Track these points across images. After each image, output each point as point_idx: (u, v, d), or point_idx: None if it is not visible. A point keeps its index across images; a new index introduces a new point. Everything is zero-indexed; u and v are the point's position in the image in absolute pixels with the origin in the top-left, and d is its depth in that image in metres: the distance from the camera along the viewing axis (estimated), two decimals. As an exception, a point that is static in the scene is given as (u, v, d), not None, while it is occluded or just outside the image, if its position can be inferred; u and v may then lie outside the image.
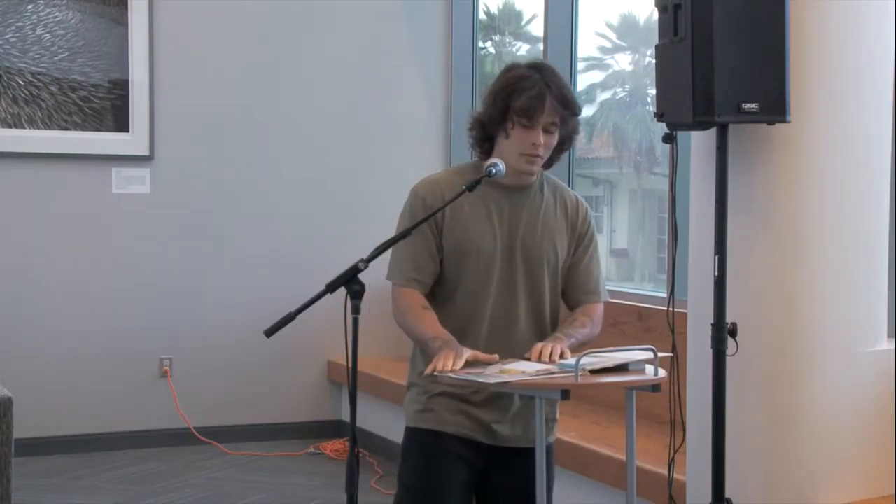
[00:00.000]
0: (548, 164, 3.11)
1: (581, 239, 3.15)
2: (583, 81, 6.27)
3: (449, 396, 3.05)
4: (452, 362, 2.82)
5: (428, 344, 2.96)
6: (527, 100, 2.95)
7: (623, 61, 6.60)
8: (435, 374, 2.83)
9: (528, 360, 2.92)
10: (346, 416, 6.65)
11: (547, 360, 2.87)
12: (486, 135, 3.06)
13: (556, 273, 3.11)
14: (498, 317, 3.04)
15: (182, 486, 5.70)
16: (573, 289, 3.17)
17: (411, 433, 3.13)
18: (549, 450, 3.13)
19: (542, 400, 2.84)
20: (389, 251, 2.99)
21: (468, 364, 2.85)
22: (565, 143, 3.06)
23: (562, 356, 2.89)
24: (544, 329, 3.10)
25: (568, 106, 3.00)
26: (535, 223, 3.07)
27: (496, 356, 2.90)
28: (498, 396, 3.01)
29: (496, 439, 3.08)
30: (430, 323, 3.00)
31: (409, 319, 3.02)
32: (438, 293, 3.08)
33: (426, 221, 2.98)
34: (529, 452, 2.99)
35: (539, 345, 2.94)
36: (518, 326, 3.06)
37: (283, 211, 6.65)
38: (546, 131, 2.99)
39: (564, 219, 3.13)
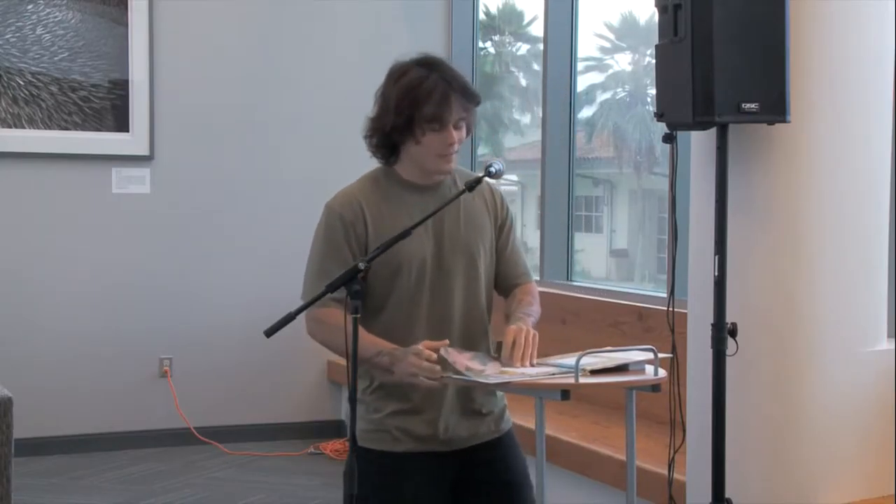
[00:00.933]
0: None
1: (503, 225, 3.09)
2: (583, 82, 6.27)
3: (397, 414, 2.96)
4: (432, 368, 2.75)
5: (372, 359, 2.86)
6: (434, 105, 2.86)
7: (623, 61, 6.60)
8: (442, 377, 2.79)
9: (498, 357, 2.88)
10: (346, 416, 6.65)
11: (522, 355, 2.83)
12: (389, 142, 2.96)
13: (489, 264, 3.05)
14: (432, 321, 2.95)
15: (182, 486, 5.70)
16: (505, 275, 3.10)
17: (364, 453, 2.93)
18: (510, 435, 3.09)
19: (542, 400, 2.84)
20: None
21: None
22: (470, 130, 3.01)
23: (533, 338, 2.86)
24: (481, 321, 3.02)
25: (472, 98, 2.93)
26: (460, 220, 3.00)
27: (446, 341, 2.82)
28: (430, 395, 2.92)
29: (453, 444, 3.00)
30: (364, 336, 2.83)
31: (338, 338, 2.81)
32: (367, 307, 2.91)
33: (346, 237, 2.91)
34: (493, 444, 2.99)
35: (512, 332, 2.87)
36: (453, 325, 2.97)
37: (283, 211, 6.64)
38: (457, 128, 2.91)
39: (485, 207, 3.06)
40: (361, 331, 2.80)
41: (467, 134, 2.99)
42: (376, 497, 2.94)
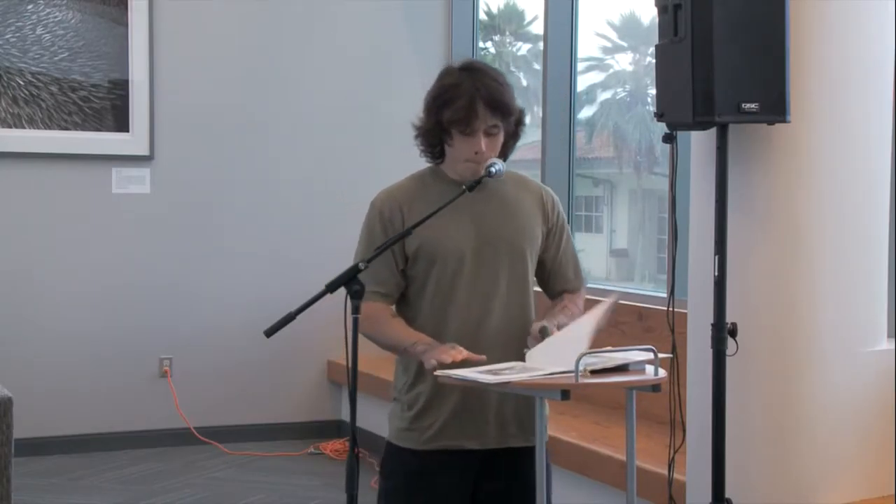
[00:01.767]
0: (503, 157, 3.05)
1: (553, 228, 3.10)
2: (583, 81, 6.28)
3: (434, 409, 2.99)
4: (452, 356, 2.78)
5: (408, 349, 2.92)
6: (457, 111, 2.90)
7: (623, 61, 6.60)
8: (436, 372, 2.81)
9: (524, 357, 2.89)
10: (346, 416, 6.65)
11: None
12: (430, 142, 3.02)
13: (534, 263, 3.07)
14: (469, 314, 2.98)
15: (182, 486, 5.70)
16: (554, 279, 3.13)
17: (394, 450, 3.07)
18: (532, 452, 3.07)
19: (542, 400, 2.84)
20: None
21: (468, 364, 2.84)
22: (512, 139, 3.03)
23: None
24: (522, 319, 3.03)
25: (499, 108, 2.93)
26: (505, 218, 3.02)
27: (484, 357, 2.84)
28: (479, 394, 2.94)
29: (486, 442, 3.01)
30: (404, 328, 2.96)
31: (379, 328, 2.97)
32: (407, 297, 3.03)
33: (384, 234, 2.96)
34: (525, 452, 2.97)
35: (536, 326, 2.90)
36: (490, 321, 2.99)
37: (283, 211, 6.65)
38: (487, 134, 2.94)
39: (537, 209, 3.08)
40: (399, 321, 2.96)
41: (514, 140, 3.03)
42: (393, 496, 3.02)
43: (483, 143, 2.93)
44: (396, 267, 2.99)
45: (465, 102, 2.90)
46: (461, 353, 2.81)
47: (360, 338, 2.78)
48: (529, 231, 3.04)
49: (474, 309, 2.98)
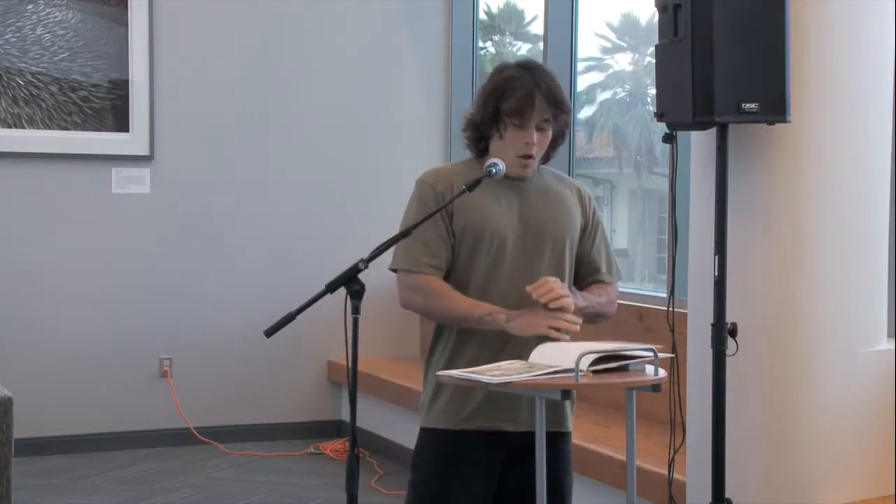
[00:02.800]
0: (545, 159, 3.14)
1: (588, 223, 3.17)
2: (583, 81, 6.28)
3: (469, 390, 3.00)
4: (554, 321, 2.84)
5: (485, 319, 2.93)
6: (517, 100, 2.98)
7: (623, 61, 6.60)
8: (437, 373, 2.82)
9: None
10: (346, 416, 6.65)
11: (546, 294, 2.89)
12: (479, 136, 3.09)
13: (573, 253, 3.13)
14: (504, 301, 3.01)
15: (182, 486, 5.70)
16: (587, 271, 3.18)
17: (428, 434, 3.10)
18: (568, 439, 3.15)
19: (543, 400, 2.84)
20: (391, 248, 2.98)
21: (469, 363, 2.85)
22: (559, 139, 3.10)
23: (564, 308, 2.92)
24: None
25: (557, 103, 3.02)
26: (549, 205, 3.10)
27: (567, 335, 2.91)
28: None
29: (520, 425, 3.04)
30: (471, 300, 2.98)
31: (444, 302, 2.99)
32: (451, 281, 3.05)
33: (438, 207, 2.99)
34: (555, 437, 3.02)
35: (549, 280, 2.93)
36: (534, 309, 3.00)
37: (283, 211, 6.65)
38: (539, 129, 3.02)
39: (577, 203, 3.16)
40: (460, 294, 2.98)
41: (557, 141, 3.09)
42: (439, 474, 3.04)
43: (535, 136, 3.01)
44: (449, 240, 3.03)
45: (525, 93, 2.98)
46: (559, 316, 2.86)
47: (361, 338, 2.77)
48: (571, 222, 3.12)
49: (514, 291, 3.01)
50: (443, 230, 3.03)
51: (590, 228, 3.18)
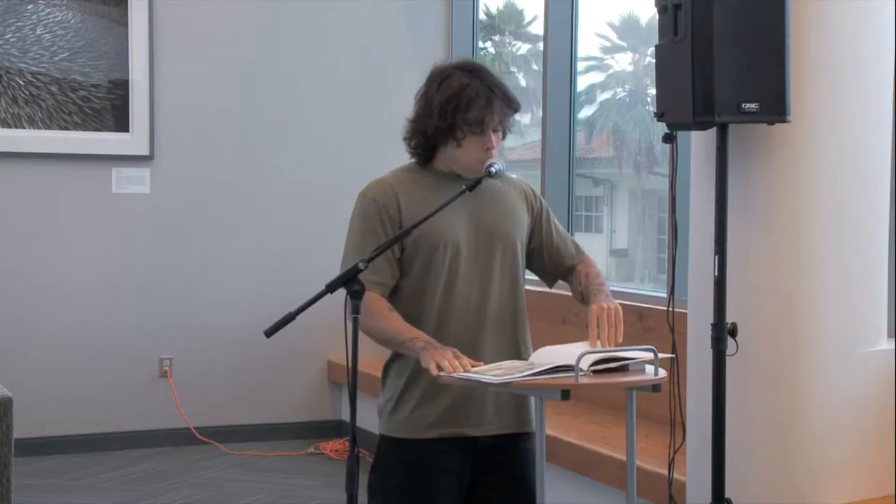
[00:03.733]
0: None
1: (540, 215, 3.18)
2: (583, 81, 6.28)
3: (433, 399, 3.00)
4: (455, 363, 2.79)
5: (407, 344, 2.91)
6: (478, 110, 2.95)
7: (623, 61, 6.60)
8: (439, 374, 2.81)
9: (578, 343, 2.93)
10: (346, 416, 6.65)
11: (608, 336, 2.91)
12: (430, 145, 3.04)
13: (523, 251, 3.13)
14: (468, 307, 3.01)
15: (182, 486, 5.71)
16: (559, 258, 3.19)
17: (390, 443, 3.05)
18: (529, 437, 3.12)
19: (542, 400, 2.84)
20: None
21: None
22: (506, 133, 3.10)
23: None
24: (519, 308, 3.09)
25: (512, 104, 3.02)
26: (497, 207, 3.08)
27: (482, 363, 2.87)
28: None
29: (486, 429, 3.03)
30: (402, 323, 2.94)
31: (377, 322, 2.94)
32: (402, 291, 3.02)
33: (380, 221, 2.97)
34: (522, 438, 3.03)
35: (594, 312, 2.93)
36: (489, 311, 3.03)
37: (283, 211, 6.65)
38: (496, 131, 3.01)
39: (522, 201, 3.15)
40: (395, 315, 2.94)
41: (503, 137, 3.08)
42: (406, 487, 3.01)
43: (493, 139, 3.00)
44: (393, 255, 2.99)
45: (484, 102, 2.96)
46: (461, 362, 2.80)
47: (361, 338, 2.78)
48: (518, 223, 3.11)
49: (473, 297, 3.01)
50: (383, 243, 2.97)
51: (541, 218, 3.18)
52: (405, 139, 3.09)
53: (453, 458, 3.03)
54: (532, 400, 3.11)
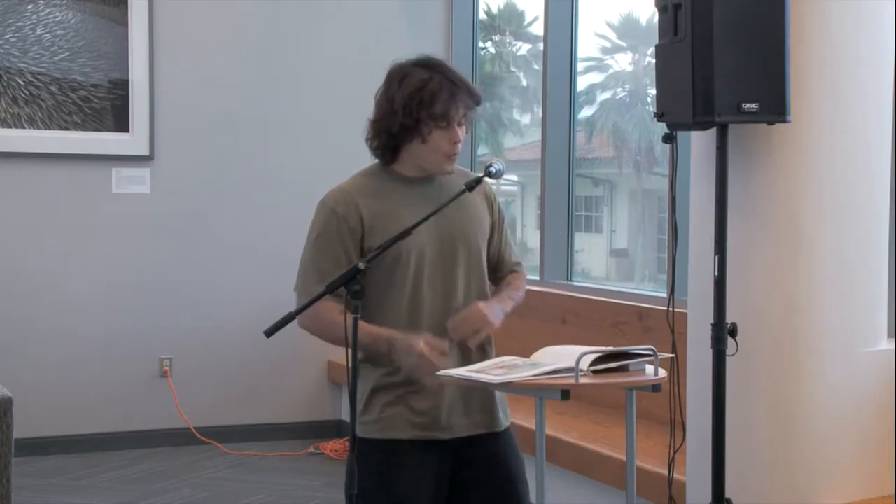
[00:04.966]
0: None
1: (499, 218, 3.19)
2: (583, 81, 6.27)
3: (397, 404, 2.98)
4: (435, 353, 2.84)
5: (369, 347, 2.89)
6: (443, 104, 2.93)
7: (623, 61, 6.60)
8: (438, 372, 2.82)
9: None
10: (346, 416, 6.65)
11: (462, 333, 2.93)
12: (394, 144, 3.01)
13: (486, 253, 3.13)
14: (435, 312, 2.99)
15: (182, 486, 5.71)
16: (501, 265, 3.20)
17: (362, 444, 2.96)
18: (510, 433, 3.13)
19: (542, 400, 2.85)
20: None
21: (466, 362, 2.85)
22: (469, 127, 3.10)
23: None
24: None
25: (475, 96, 3.02)
26: (460, 213, 3.05)
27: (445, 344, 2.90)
28: (444, 387, 2.97)
29: (455, 432, 3.02)
30: (368, 325, 2.88)
31: (334, 330, 2.88)
32: (368, 298, 2.92)
33: (338, 232, 2.96)
34: (493, 437, 3.04)
35: (475, 310, 2.95)
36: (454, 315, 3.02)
37: (283, 211, 6.64)
38: (460, 125, 3.00)
39: (484, 203, 3.14)
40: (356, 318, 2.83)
41: (467, 131, 3.07)
42: (375, 488, 2.95)
43: (459, 132, 2.99)
44: (348, 264, 2.91)
45: (448, 95, 2.94)
46: (437, 345, 2.86)
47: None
48: (481, 226, 3.11)
49: (438, 302, 3.00)
50: (340, 255, 2.96)
51: (498, 223, 3.18)
52: (367, 140, 3.06)
53: (426, 457, 3.01)
54: (504, 398, 3.11)
